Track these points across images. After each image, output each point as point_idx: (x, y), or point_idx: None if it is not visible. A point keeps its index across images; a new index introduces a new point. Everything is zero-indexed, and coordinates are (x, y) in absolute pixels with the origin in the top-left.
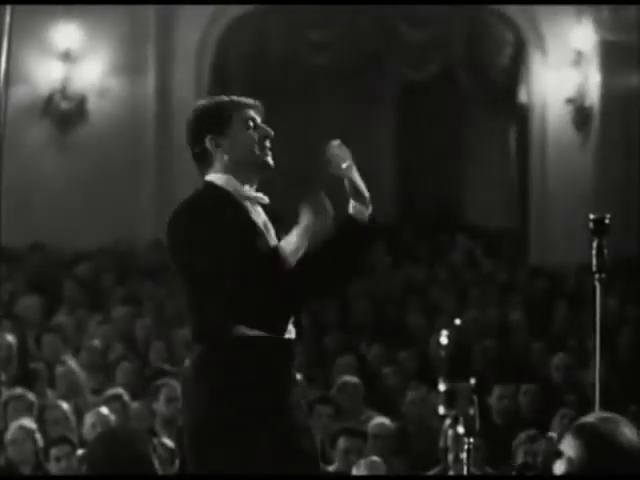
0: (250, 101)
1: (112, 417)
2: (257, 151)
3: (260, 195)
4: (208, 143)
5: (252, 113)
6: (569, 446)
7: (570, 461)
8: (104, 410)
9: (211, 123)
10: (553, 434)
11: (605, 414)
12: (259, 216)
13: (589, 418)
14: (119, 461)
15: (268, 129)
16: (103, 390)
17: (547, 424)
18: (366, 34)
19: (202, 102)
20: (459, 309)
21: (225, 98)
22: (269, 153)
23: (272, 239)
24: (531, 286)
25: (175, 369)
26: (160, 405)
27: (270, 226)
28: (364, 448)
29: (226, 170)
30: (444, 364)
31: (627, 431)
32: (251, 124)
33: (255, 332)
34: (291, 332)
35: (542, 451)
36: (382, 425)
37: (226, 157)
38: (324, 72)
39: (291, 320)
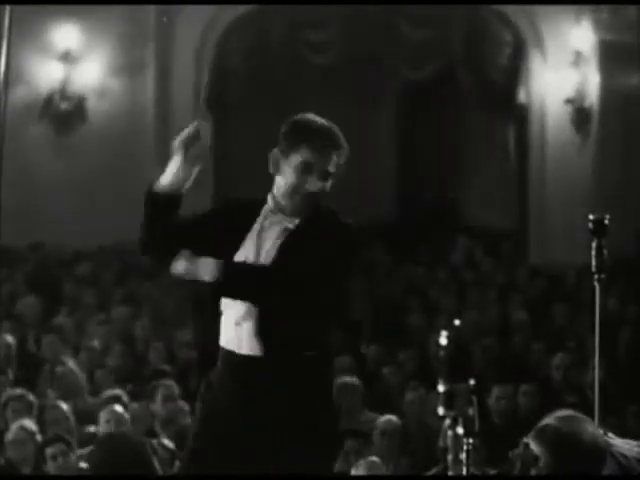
0: (320, 137)
1: (126, 415)
2: (297, 197)
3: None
4: (270, 161)
5: (314, 157)
6: (535, 451)
7: (538, 466)
8: (118, 408)
9: (281, 146)
10: (529, 440)
11: (564, 413)
12: (264, 221)
13: (549, 420)
14: (119, 464)
15: (315, 186)
16: (102, 391)
17: None
18: (366, 34)
19: None
20: (459, 309)
21: (302, 119)
22: (311, 201)
23: (251, 247)
24: (531, 286)
25: (171, 369)
26: (157, 406)
27: (277, 234)
28: (364, 449)
29: (276, 192)
30: (444, 365)
31: (588, 427)
32: (307, 169)
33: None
34: (234, 344)
35: (520, 457)
36: (390, 421)
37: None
38: (324, 72)
39: (236, 330)
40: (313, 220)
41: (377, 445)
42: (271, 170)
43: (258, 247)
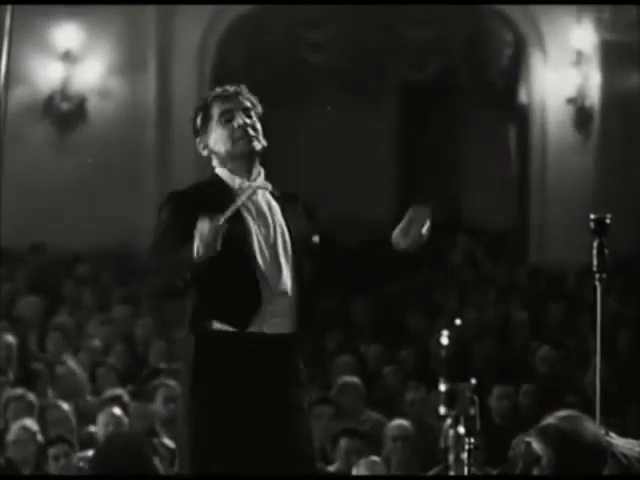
0: (224, 92)
1: (125, 418)
2: (236, 142)
3: (259, 183)
4: (199, 147)
5: (227, 105)
6: (537, 451)
7: (540, 465)
8: (117, 410)
9: (195, 128)
10: (531, 439)
11: (565, 412)
12: (254, 207)
13: (550, 419)
14: (119, 464)
15: (241, 120)
16: (103, 390)
17: None
18: (366, 34)
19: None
20: (459, 309)
21: (206, 96)
22: (251, 138)
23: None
24: (531, 286)
25: (173, 366)
26: (158, 406)
27: (268, 215)
28: (364, 448)
29: (222, 166)
30: (444, 364)
31: (589, 426)
32: (227, 116)
33: (220, 325)
34: (261, 325)
35: (521, 456)
36: (401, 427)
37: (214, 157)
38: (324, 72)
39: (261, 313)
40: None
41: (389, 450)
42: (204, 153)
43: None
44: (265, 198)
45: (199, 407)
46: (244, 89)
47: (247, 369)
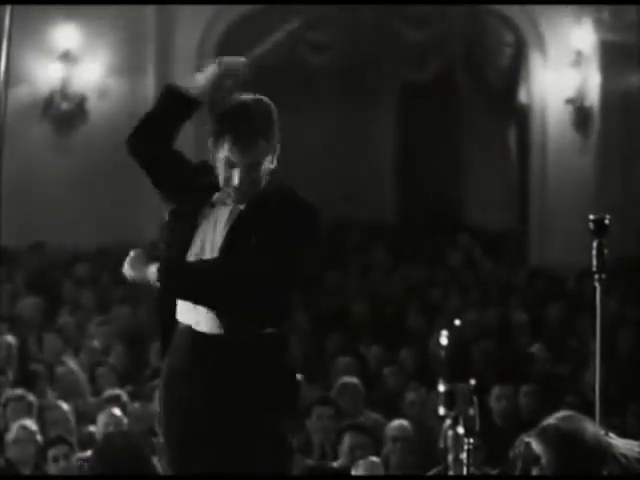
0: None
1: (125, 419)
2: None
3: (225, 193)
4: (209, 142)
5: None
6: (536, 451)
7: (540, 466)
8: (117, 411)
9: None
10: (531, 439)
11: (565, 413)
12: (211, 213)
13: (550, 420)
14: (119, 464)
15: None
16: (103, 391)
17: None
18: (366, 34)
19: None
20: (459, 310)
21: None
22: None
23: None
24: (531, 287)
25: None
26: (157, 406)
27: (222, 226)
28: (369, 443)
29: None
30: (444, 365)
31: (589, 427)
32: None
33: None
34: (193, 320)
35: (521, 456)
36: (401, 427)
37: None
38: (324, 72)
39: (193, 311)
40: (261, 201)
41: (388, 451)
42: (212, 161)
43: (213, 230)
44: (232, 208)
45: (165, 401)
46: (254, 128)
47: (185, 366)
